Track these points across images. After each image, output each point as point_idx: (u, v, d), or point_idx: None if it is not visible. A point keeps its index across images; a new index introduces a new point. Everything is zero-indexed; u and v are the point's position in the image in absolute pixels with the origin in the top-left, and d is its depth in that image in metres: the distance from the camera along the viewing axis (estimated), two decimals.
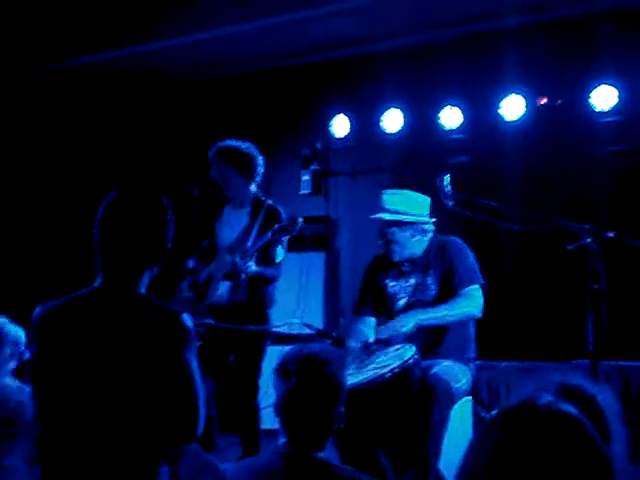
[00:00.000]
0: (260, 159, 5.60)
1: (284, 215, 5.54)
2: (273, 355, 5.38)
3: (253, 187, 5.62)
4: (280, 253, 5.38)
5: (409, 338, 4.59)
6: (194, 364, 2.83)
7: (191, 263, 5.55)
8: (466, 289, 4.68)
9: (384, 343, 4.66)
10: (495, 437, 1.63)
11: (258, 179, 5.62)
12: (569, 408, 1.66)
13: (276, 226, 5.26)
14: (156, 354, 2.77)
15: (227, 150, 5.58)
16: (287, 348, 3.13)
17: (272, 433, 5.51)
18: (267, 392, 5.61)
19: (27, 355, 3.97)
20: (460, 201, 4.27)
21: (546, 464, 1.57)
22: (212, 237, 5.66)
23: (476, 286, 4.72)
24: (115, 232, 2.91)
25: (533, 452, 1.58)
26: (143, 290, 2.92)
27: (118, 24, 7.63)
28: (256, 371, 5.43)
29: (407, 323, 4.57)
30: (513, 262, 6.35)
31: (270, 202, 5.61)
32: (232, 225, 5.63)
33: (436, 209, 4.83)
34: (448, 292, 4.71)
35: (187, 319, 2.84)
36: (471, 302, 4.68)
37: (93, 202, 3.09)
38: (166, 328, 2.80)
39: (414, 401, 4.35)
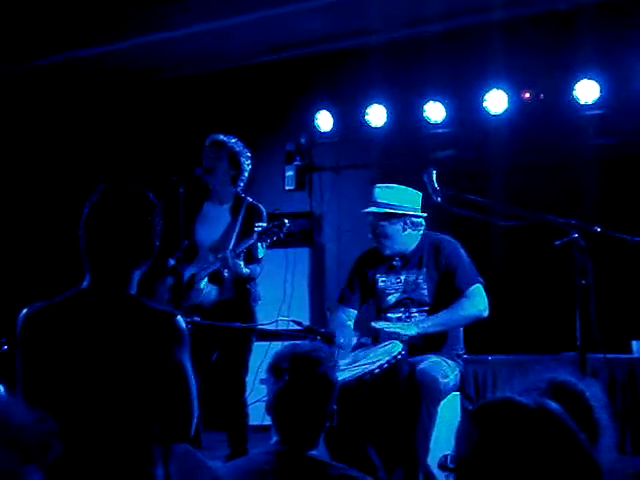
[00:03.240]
0: (249, 161, 5.58)
1: (265, 212, 5.53)
2: (259, 351, 5.42)
3: (239, 185, 5.59)
4: (261, 250, 5.36)
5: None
6: (188, 365, 2.81)
7: (171, 262, 5.46)
8: (470, 289, 4.66)
9: (372, 340, 4.66)
10: (479, 430, 1.64)
11: (245, 177, 5.59)
12: (551, 404, 1.67)
13: (262, 227, 5.23)
14: (150, 355, 2.74)
15: (224, 142, 5.55)
16: (276, 345, 3.12)
17: (260, 429, 5.53)
18: (254, 388, 5.63)
19: None
20: (448, 197, 4.25)
21: (527, 458, 1.59)
22: (191, 235, 5.55)
23: (479, 285, 4.70)
24: (103, 230, 2.81)
25: (514, 447, 1.60)
26: (134, 290, 2.87)
27: (106, 19, 7.59)
28: (243, 367, 5.42)
29: (409, 330, 4.56)
30: (501, 257, 6.36)
31: (250, 199, 5.59)
32: (212, 223, 5.57)
33: (424, 204, 4.81)
34: (450, 294, 4.67)
35: (181, 320, 2.81)
36: (477, 303, 4.65)
37: (73, 199, 3.02)
38: (161, 329, 2.76)
39: (402, 397, 4.34)
